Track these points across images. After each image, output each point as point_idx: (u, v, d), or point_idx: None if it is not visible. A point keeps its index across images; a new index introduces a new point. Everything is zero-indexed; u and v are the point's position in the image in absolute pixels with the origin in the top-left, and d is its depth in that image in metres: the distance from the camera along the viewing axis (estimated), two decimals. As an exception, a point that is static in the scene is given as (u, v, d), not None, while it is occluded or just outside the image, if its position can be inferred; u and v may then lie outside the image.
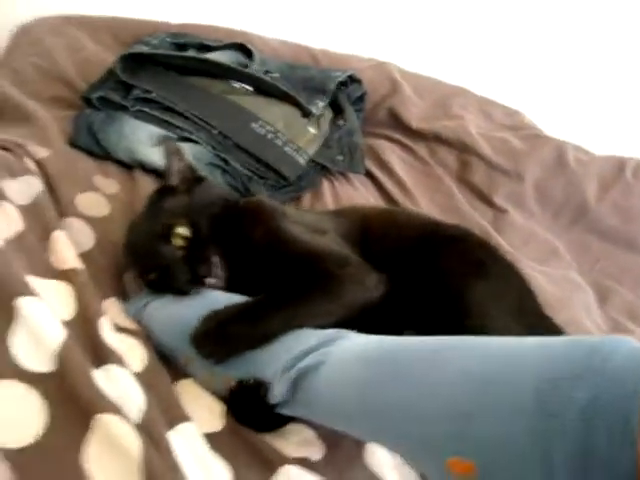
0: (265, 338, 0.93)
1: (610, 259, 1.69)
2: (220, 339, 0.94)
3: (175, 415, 0.89)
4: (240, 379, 0.93)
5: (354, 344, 0.86)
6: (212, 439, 0.90)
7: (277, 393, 0.87)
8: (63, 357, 0.85)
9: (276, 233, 1.08)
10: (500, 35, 2.11)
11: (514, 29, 2.11)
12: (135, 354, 0.98)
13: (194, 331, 0.95)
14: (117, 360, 0.91)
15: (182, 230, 1.04)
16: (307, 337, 0.91)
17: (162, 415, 0.87)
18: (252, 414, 0.93)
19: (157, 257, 1.04)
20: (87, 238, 1.17)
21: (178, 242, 1.04)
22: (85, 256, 1.11)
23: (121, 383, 0.87)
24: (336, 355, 0.85)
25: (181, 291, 1.04)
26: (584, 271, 1.64)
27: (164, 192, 1.13)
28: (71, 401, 0.81)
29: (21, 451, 0.75)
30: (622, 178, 1.81)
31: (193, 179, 1.16)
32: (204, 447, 0.88)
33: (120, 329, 1.01)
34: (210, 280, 1.04)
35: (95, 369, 0.87)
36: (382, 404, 0.75)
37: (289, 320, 0.95)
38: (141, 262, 1.08)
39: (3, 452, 0.74)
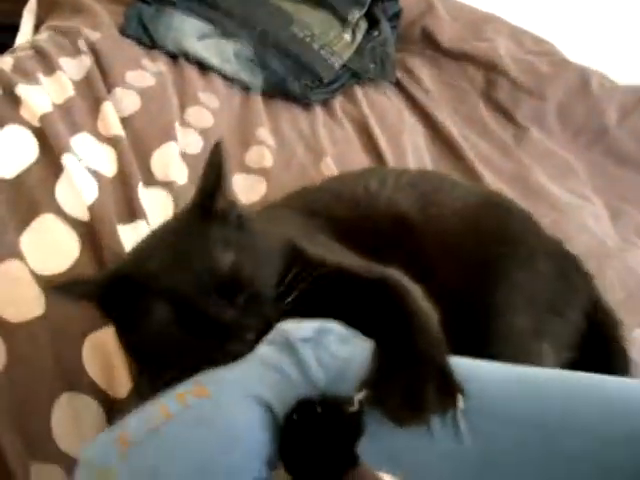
0: None
1: (624, 182, 1.71)
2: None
3: None
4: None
5: None
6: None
7: None
8: (95, 211, 1.00)
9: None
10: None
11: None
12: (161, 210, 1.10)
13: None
14: (145, 217, 1.05)
15: None
16: None
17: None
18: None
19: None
20: (133, 104, 1.28)
21: None
22: (130, 118, 1.24)
23: None
24: None
25: None
26: (598, 191, 1.68)
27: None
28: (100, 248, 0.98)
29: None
30: (643, 107, 1.84)
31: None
32: None
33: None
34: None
35: (124, 225, 1.02)
36: None
37: None
38: None
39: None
